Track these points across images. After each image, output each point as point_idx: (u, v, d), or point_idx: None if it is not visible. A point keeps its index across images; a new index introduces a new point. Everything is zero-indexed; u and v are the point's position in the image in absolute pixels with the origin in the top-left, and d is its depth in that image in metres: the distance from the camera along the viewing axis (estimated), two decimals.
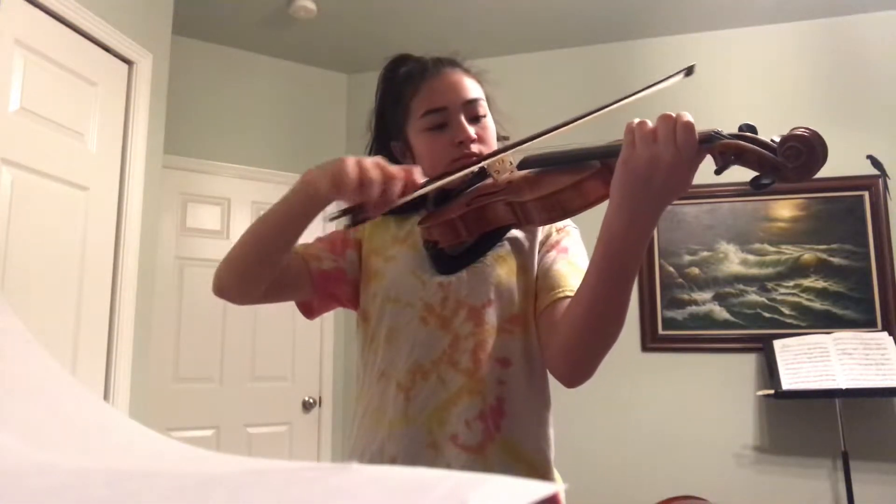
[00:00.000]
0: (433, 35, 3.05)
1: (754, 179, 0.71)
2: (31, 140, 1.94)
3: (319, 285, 1.05)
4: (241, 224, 3.22)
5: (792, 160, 0.67)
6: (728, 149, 0.71)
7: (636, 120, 0.75)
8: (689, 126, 0.70)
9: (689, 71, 0.84)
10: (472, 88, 1.03)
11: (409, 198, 0.85)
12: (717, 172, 0.72)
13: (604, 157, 0.81)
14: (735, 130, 0.73)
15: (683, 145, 0.70)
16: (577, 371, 0.88)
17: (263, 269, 0.95)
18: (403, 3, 2.90)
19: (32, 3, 1.96)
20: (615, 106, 0.84)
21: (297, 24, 3.06)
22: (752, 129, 0.72)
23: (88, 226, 2.13)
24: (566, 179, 0.83)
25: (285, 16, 2.97)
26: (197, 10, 2.92)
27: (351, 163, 0.81)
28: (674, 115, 0.72)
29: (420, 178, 0.84)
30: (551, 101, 3.14)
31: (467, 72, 1.06)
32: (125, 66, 2.34)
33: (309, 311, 1.09)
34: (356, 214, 0.87)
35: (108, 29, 2.22)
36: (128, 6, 2.35)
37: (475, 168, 0.92)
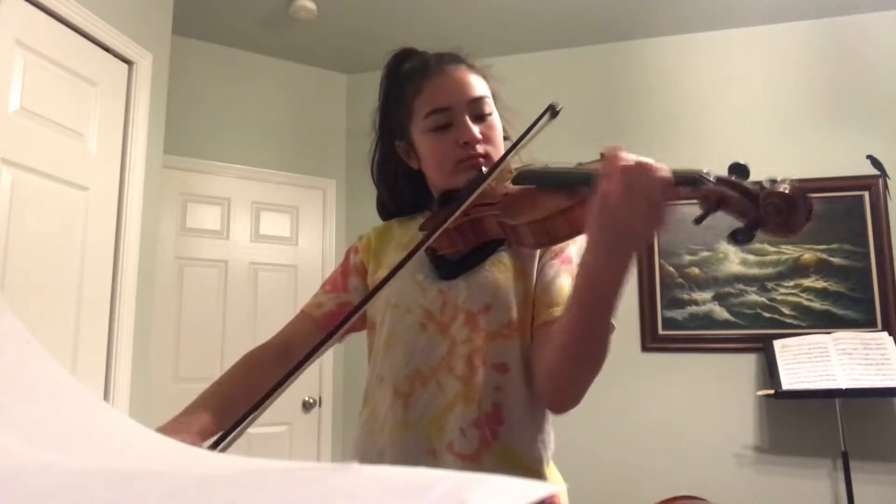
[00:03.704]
0: (433, 35, 3.04)
1: (733, 233, 0.67)
2: (31, 140, 1.94)
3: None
4: (241, 224, 3.22)
5: (773, 216, 0.64)
6: (711, 195, 0.67)
7: (606, 166, 0.70)
8: (666, 183, 0.67)
9: (553, 112, 0.88)
10: (476, 86, 1.00)
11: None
12: (697, 222, 0.68)
13: (595, 183, 0.78)
14: (728, 162, 0.68)
15: (660, 202, 0.67)
16: (561, 398, 0.86)
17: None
18: (404, 3, 2.90)
19: (32, 3, 1.95)
20: (509, 156, 0.91)
21: (297, 24, 3.06)
22: (744, 169, 0.68)
23: (88, 226, 2.13)
24: (555, 205, 0.81)
25: (285, 16, 2.97)
26: (197, 10, 2.92)
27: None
28: (650, 166, 0.67)
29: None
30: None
31: (471, 67, 1.03)
32: (125, 66, 2.34)
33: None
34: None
35: (108, 29, 2.22)
36: (128, 6, 2.34)
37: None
